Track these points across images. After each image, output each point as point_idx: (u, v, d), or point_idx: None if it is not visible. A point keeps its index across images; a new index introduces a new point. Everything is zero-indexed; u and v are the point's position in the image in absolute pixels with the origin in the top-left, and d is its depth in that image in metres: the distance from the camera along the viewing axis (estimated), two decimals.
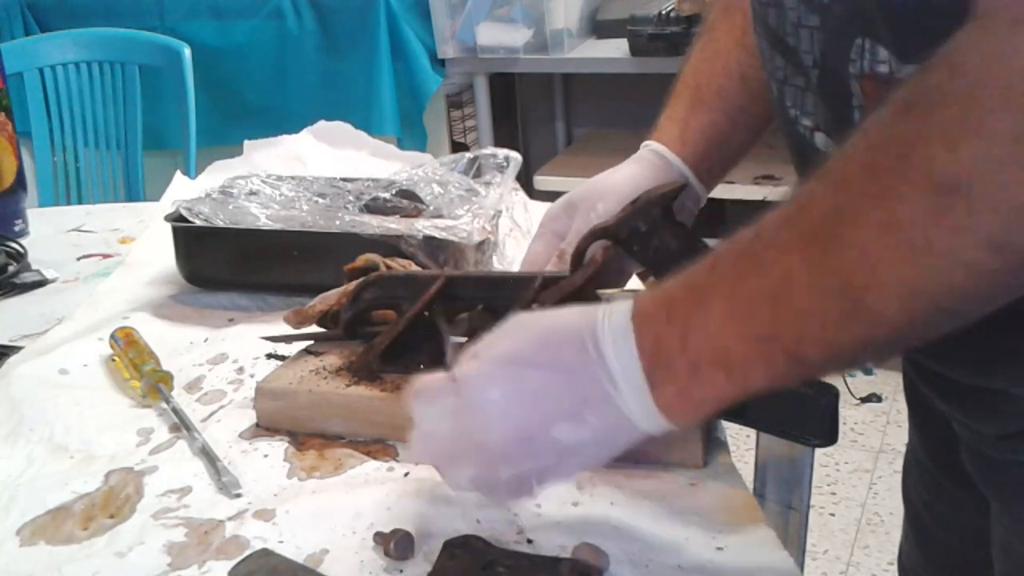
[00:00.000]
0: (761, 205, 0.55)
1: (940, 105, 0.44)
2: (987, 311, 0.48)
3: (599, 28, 2.77)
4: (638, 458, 0.68)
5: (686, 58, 0.85)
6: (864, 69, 0.57)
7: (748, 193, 2.46)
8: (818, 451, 0.69)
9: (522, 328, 0.57)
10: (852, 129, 0.49)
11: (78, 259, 1.21)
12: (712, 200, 0.85)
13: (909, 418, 0.84)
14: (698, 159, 0.81)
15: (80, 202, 2.38)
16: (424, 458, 0.60)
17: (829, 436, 0.62)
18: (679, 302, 0.53)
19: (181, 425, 0.77)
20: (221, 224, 0.99)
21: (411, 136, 2.71)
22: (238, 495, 0.68)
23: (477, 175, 1.09)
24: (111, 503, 0.69)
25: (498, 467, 0.56)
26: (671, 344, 0.52)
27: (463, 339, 0.77)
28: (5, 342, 0.96)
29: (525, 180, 2.10)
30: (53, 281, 1.13)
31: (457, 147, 2.88)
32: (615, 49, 2.63)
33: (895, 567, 0.91)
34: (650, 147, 0.82)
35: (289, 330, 0.85)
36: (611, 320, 0.54)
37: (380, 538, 0.61)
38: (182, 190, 1.24)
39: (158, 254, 1.11)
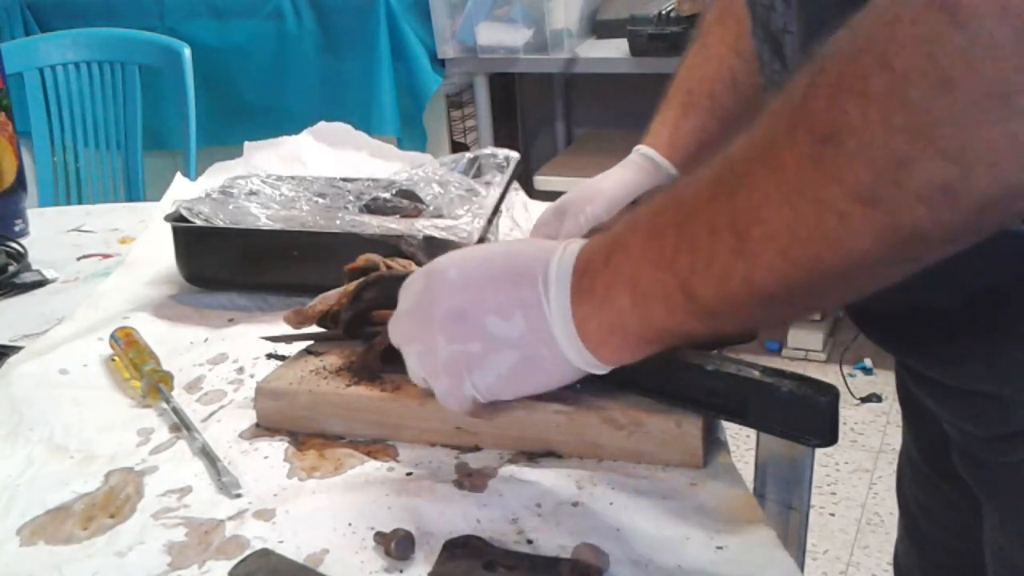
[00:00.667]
0: None
1: (832, 62, 0.45)
2: (875, 283, 0.49)
3: (599, 28, 2.78)
4: (638, 458, 0.69)
5: (679, 63, 0.86)
6: None
7: None
8: (818, 451, 0.69)
9: (499, 244, 0.65)
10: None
11: (78, 259, 1.21)
12: None
13: (902, 419, 0.84)
14: (688, 162, 0.82)
15: (80, 202, 2.38)
16: (393, 338, 0.68)
17: (829, 436, 0.62)
18: (619, 228, 0.58)
19: (181, 425, 0.77)
20: (221, 224, 0.99)
21: (411, 136, 2.71)
22: (238, 495, 0.68)
23: (477, 175, 1.09)
24: (111, 503, 0.69)
25: (437, 341, 0.63)
26: (598, 261, 0.58)
27: None
28: (5, 342, 0.96)
29: (525, 180, 2.10)
30: (53, 281, 1.13)
31: (457, 147, 2.88)
32: (615, 49, 2.63)
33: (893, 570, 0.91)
34: (640, 151, 0.84)
35: (289, 330, 0.85)
36: (568, 246, 0.60)
37: (380, 538, 0.61)
38: (182, 191, 1.24)
39: (158, 254, 1.11)
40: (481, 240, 0.97)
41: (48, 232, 1.31)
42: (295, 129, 1.37)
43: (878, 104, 0.43)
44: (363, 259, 0.85)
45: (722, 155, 0.52)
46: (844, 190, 0.45)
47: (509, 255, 0.62)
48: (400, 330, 0.67)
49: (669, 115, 0.84)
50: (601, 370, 0.60)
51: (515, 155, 1.10)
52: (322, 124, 1.38)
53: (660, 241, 0.54)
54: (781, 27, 0.62)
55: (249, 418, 0.78)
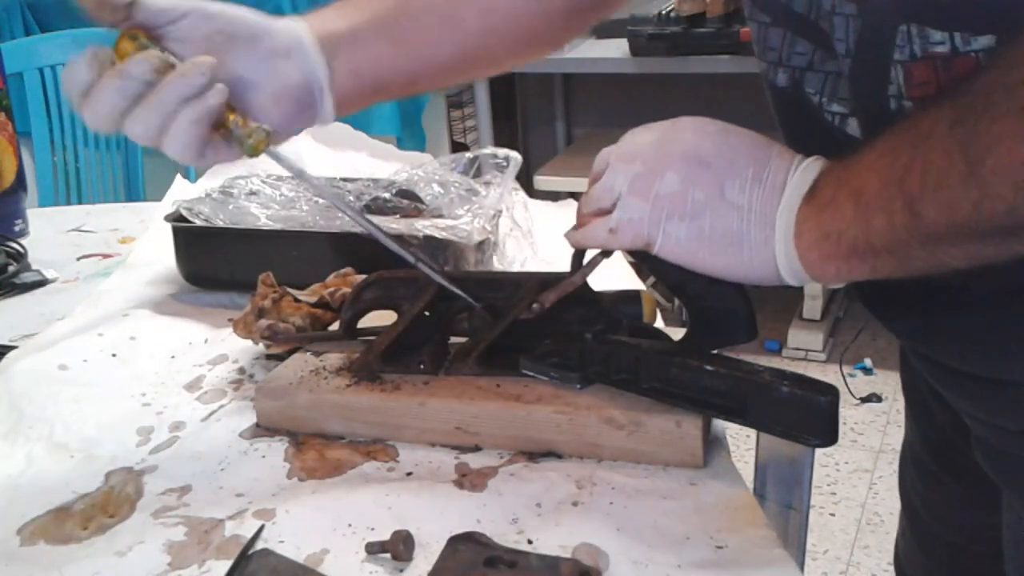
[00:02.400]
0: None
1: None
2: None
3: (599, 28, 2.78)
4: (638, 458, 0.69)
5: None
6: (915, 53, 0.58)
7: None
8: (818, 451, 0.69)
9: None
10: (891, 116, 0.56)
11: (78, 259, 1.21)
12: None
13: (907, 414, 0.84)
14: (319, 31, 0.74)
15: (80, 202, 2.38)
16: (607, 153, 0.67)
17: (829, 436, 0.62)
18: (862, 144, 0.58)
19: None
20: (221, 224, 1.00)
21: (411, 136, 2.71)
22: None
23: (477, 175, 1.09)
24: (111, 503, 0.69)
25: (666, 173, 0.63)
26: (831, 171, 0.60)
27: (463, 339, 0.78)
28: (5, 342, 0.96)
29: (525, 180, 2.10)
30: (53, 281, 1.13)
31: (457, 147, 2.88)
32: (615, 49, 2.63)
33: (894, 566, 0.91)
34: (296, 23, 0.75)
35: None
36: (815, 160, 0.62)
37: (373, 547, 0.61)
38: (182, 192, 1.25)
39: (158, 254, 1.11)
40: (482, 242, 0.97)
41: (48, 232, 1.31)
42: None
43: None
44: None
45: (960, 90, 0.53)
46: None
47: (769, 145, 0.63)
48: (623, 148, 0.66)
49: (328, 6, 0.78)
50: (795, 279, 0.61)
51: (516, 155, 1.10)
52: None
53: (892, 157, 0.55)
54: (829, 8, 0.62)
55: (249, 418, 0.78)
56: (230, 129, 0.69)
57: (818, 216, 0.59)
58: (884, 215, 0.55)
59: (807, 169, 0.61)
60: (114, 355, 0.90)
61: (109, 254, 1.22)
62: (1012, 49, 0.51)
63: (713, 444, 0.70)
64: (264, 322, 0.84)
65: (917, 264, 0.56)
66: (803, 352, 2.78)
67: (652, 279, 0.77)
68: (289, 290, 0.88)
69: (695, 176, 0.62)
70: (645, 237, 0.64)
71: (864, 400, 2.54)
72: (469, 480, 0.68)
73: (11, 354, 0.91)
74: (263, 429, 0.77)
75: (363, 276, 0.85)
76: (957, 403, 0.68)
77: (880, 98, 0.59)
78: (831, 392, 0.62)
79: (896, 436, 2.37)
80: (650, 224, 0.63)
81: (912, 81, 0.58)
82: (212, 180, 1.22)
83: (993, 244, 0.54)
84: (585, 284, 0.72)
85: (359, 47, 0.75)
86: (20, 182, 1.30)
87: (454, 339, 0.80)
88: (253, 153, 0.70)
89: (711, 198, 0.62)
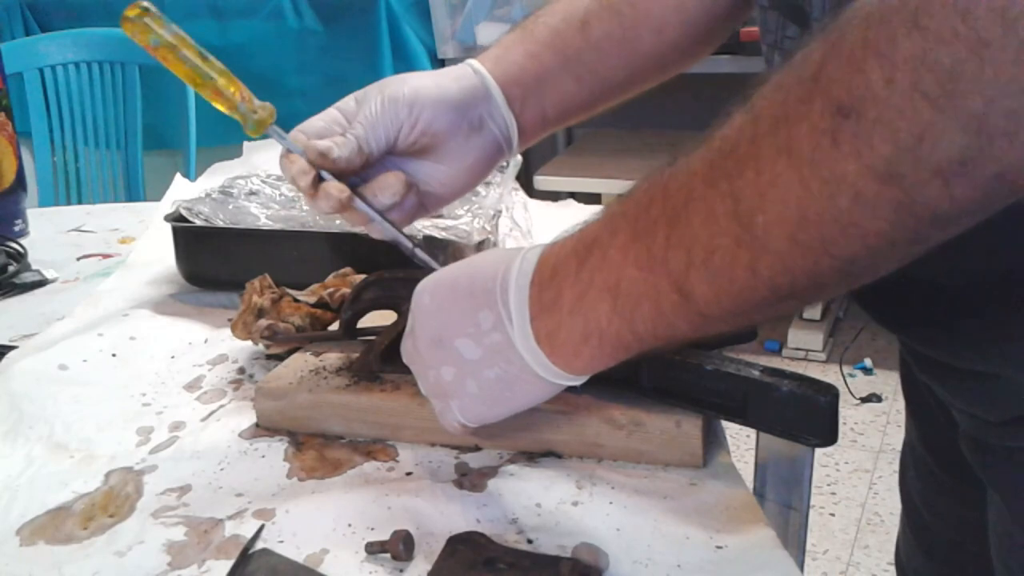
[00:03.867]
0: None
1: (856, 26, 0.42)
2: (881, 267, 0.47)
3: None
4: (638, 458, 0.69)
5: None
6: None
7: None
8: (818, 451, 0.69)
9: (466, 261, 0.64)
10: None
11: (78, 259, 1.21)
12: None
13: (906, 411, 0.84)
14: (509, 81, 0.77)
15: (80, 202, 2.38)
16: (404, 359, 0.68)
17: (829, 436, 0.62)
18: (591, 228, 0.55)
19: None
20: (221, 224, 1.00)
21: None
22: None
23: None
24: (111, 502, 0.69)
25: (425, 367, 0.64)
26: (567, 270, 0.55)
27: None
28: (5, 342, 0.96)
29: (525, 180, 2.10)
30: (53, 281, 1.13)
31: None
32: None
33: (895, 567, 0.91)
34: (476, 67, 0.78)
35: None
36: (526, 256, 0.58)
37: (373, 547, 0.61)
38: (182, 191, 1.25)
39: (158, 254, 1.11)
40: (482, 242, 0.97)
41: (48, 232, 1.31)
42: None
43: (906, 68, 0.40)
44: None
45: (716, 136, 0.48)
46: (861, 166, 0.42)
47: (471, 275, 0.61)
48: (405, 351, 0.68)
49: (506, 38, 0.80)
50: (575, 381, 0.60)
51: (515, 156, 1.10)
52: None
53: (648, 239, 0.51)
54: None
55: (249, 418, 0.78)
56: (236, 105, 0.70)
57: (569, 324, 0.55)
58: (649, 305, 0.51)
59: (521, 273, 0.58)
60: (114, 355, 0.90)
61: (109, 254, 1.22)
62: (771, 79, 0.46)
63: (713, 444, 0.70)
64: (264, 322, 0.84)
65: (683, 342, 0.54)
66: (803, 352, 2.78)
67: None
68: (288, 291, 0.88)
69: (437, 358, 0.63)
70: (456, 423, 0.65)
71: (864, 400, 2.54)
72: (469, 480, 0.68)
73: (11, 354, 0.91)
74: (263, 429, 0.77)
75: (363, 276, 0.85)
76: (944, 396, 0.68)
77: None
78: (831, 392, 0.62)
79: (896, 436, 2.37)
80: (447, 413, 0.65)
81: None
82: (212, 180, 1.22)
83: (765, 311, 0.50)
84: None
85: (547, 89, 0.78)
86: (20, 182, 1.30)
87: None
88: (256, 130, 0.71)
89: (459, 368, 0.62)
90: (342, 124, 0.75)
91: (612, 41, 0.77)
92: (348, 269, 0.93)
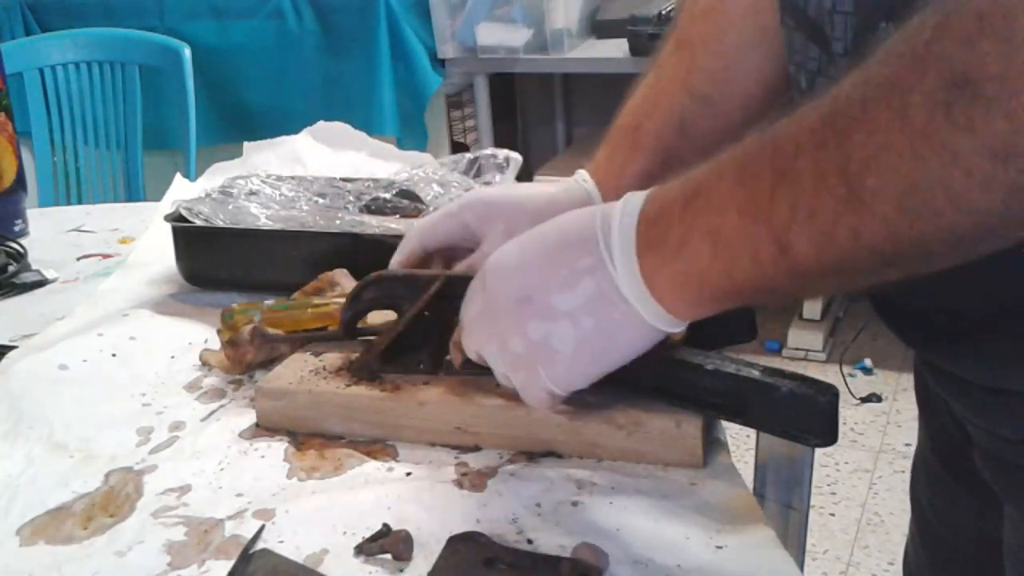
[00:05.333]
0: None
1: (965, 5, 0.42)
2: (985, 246, 0.46)
3: (599, 28, 2.78)
4: (638, 458, 0.69)
5: (632, 91, 0.84)
6: None
7: None
8: (818, 451, 0.69)
9: (547, 222, 0.62)
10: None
11: (78, 259, 1.21)
12: None
13: (920, 421, 0.84)
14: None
15: (80, 202, 2.38)
16: (469, 351, 0.67)
17: (829, 436, 0.62)
18: (699, 173, 0.54)
19: None
20: (221, 224, 0.99)
21: (411, 136, 2.71)
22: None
23: (477, 175, 1.09)
24: (111, 503, 0.69)
25: (508, 335, 0.61)
26: (673, 210, 0.54)
27: None
28: (5, 342, 0.96)
29: (525, 180, 2.10)
30: (53, 281, 1.13)
31: (457, 147, 2.88)
32: (615, 49, 2.63)
33: (895, 567, 0.91)
34: (585, 184, 0.81)
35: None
36: (630, 198, 0.57)
37: (371, 548, 0.61)
38: (182, 191, 1.24)
39: (158, 254, 1.11)
40: None
41: (48, 232, 1.31)
42: (295, 129, 1.37)
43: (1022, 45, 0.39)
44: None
45: (829, 95, 0.48)
46: (975, 142, 0.41)
47: (561, 227, 0.60)
48: (474, 337, 0.65)
49: (618, 156, 0.82)
50: (677, 327, 0.58)
51: (516, 156, 1.10)
52: (321, 124, 1.38)
53: (753, 187, 0.50)
54: (829, 7, 0.60)
55: (249, 418, 0.78)
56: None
57: (671, 265, 0.54)
58: (748, 254, 0.51)
59: (626, 213, 0.57)
60: (114, 355, 0.90)
61: (109, 254, 1.22)
62: (885, 45, 0.46)
63: (713, 444, 0.70)
64: (247, 328, 0.84)
65: (784, 297, 0.54)
66: (803, 352, 2.78)
67: None
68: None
69: (527, 317, 0.60)
70: (546, 394, 0.63)
71: (864, 400, 2.54)
72: (469, 480, 0.68)
73: (11, 354, 0.91)
74: (263, 429, 0.77)
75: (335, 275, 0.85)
76: (961, 411, 0.68)
77: None
78: (831, 392, 0.62)
79: (896, 436, 2.37)
80: (537, 383, 0.63)
81: None
82: (212, 180, 1.22)
83: (866, 275, 0.50)
84: None
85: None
86: (20, 182, 1.30)
87: None
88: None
89: (556, 322, 0.59)
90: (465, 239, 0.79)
91: (709, 134, 0.78)
92: (327, 273, 0.93)
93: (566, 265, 0.58)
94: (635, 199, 0.57)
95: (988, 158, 0.41)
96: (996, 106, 0.41)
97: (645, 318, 0.57)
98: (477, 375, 0.72)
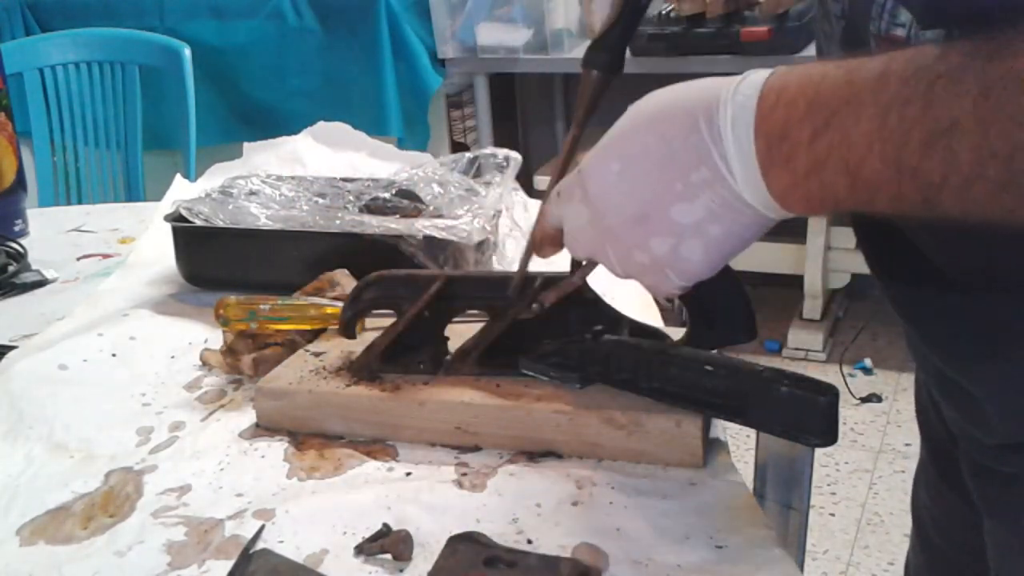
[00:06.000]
0: None
1: None
2: None
3: None
4: (638, 458, 0.69)
5: None
6: (882, 30, 0.55)
7: None
8: (818, 451, 0.69)
9: (638, 110, 0.58)
10: None
11: (78, 259, 1.21)
12: None
13: (920, 431, 0.84)
14: None
15: (80, 202, 2.38)
16: (580, 255, 0.64)
17: (829, 436, 0.62)
18: (828, 96, 0.50)
19: None
20: (221, 224, 0.99)
21: (412, 136, 2.71)
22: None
23: (477, 175, 1.09)
24: (111, 503, 0.69)
25: (629, 249, 0.58)
26: (800, 135, 0.50)
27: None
28: (5, 342, 0.96)
29: (525, 180, 2.10)
30: (53, 281, 1.13)
31: (457, 147, 2.88)
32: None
33: (895, 567, 0.91)
34: None
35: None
36: (735, 96, 0.53)
37: (371, 548, 0.61)
38: (182, 191, 1.24)
39: (158, 254, 1.11)
40: (482, 242, 0.97)
41: (48, 232, 1.31)
42: (295, 129, 1.37)
43: None
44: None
45: (981, 42, 0.44)
46: None
47: (665, 136, 0.55)
48: (583, 244, 0.62)
49: None
50: (796, 214, 0.54)
51: (516, 155, 1.10)
52: (321, 124, 1.38)
53: (901, 139, 0.46)
54: None
55: (249, 418, 0.78)
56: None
57: (804, 186, 0.51)
58: (891, 196, 0.48)
59: (736, 131, 0.52)
60: (114, 355, 0.90)
61: (109, 254, 1.22)
62: None
63: (713, 444, 0.70)
64: (248, 358, 0.85)
65: (912, 215, 0.49)
66: (803, 352, 2.78)
67: None
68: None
69: (647, 234, 0.57)
70: (676, 287, 0.59)
71: (864, 400, 2.54)
72: (469, 480, 0.68)
73: (11, 354, 0.91)
74: (263, 429, 0.77)
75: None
76: (949, 412, 0.68)
77: None
78: (831, 392, 0.62)
79: (896, 436, 2.37)
80: (665, 283, 0.59)
81: None
82: (212, 180, 1.22)
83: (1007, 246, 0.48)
84: (585, 284, 0.72)
85: None
86: (20, 182, 1.30)
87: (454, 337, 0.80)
88: None
89: (678, 236, 0.56)
90: None
91: None
92: (327, 274, 0.93)
93: (679, 179, 0.55)
94: (746, 102, 0.52)
95: None
96: None
97: (771, 216, 0.54)
98: (490, 376, 0.73)
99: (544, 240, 0.67)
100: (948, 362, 0.64)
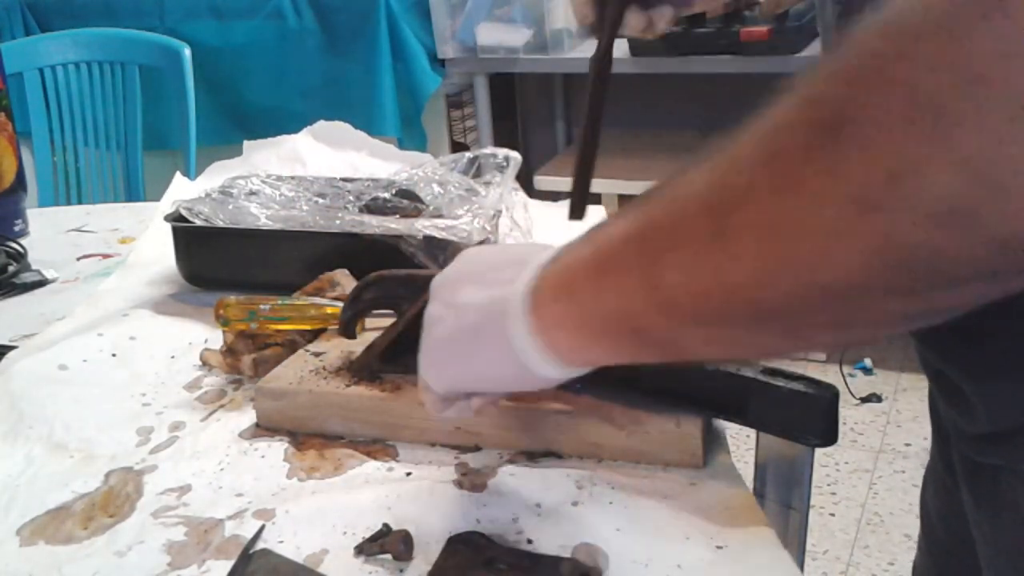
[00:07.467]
0: None
1: (855, 48, 0.38)
2: (866, 316, 0.41)
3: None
4: (638, 458, 0.69)
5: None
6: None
7: None
8: (818, 451, 0.69)
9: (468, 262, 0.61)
10: None
11: (78, 259, 1.21)
12: None
13: (931, 427, 0.84)
14: None
15: (80, 202, 2.38)
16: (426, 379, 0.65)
17: (829, 436, 0.62)
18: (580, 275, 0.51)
19: None
20: (221, 224, 0.99)
21: (411, 136, 2.71)
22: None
23: (477, 175, 1.09)
24: (111, 503, 0.69)
25: (429, 371, 0.62)
26: (567, 320, 0.51)
27: None
28: (5, 342, 0.96)
29: (525, 180, 2.10)
30: (53, 281, 1.13)
31: (457, 147, 2.88)
32: (615, 49, 2.63)
33: (895, 567, 0.91)
34: None
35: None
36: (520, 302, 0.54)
37: (371, 548, 0.61)
38: (182, 191, 1.24)
39: (158, 254, 1.11)
40: (482, 242, 0.97)
41: (48, 232, 1.31)
42: (295, 129, 1.37)
43: (897, 94, 0.35)
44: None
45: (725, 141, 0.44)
46: (841, 189, 0.37)
47: (474, 324, 0.57)
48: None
49: None
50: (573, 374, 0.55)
51: (516, 155, 1.10)
52: (321, 124, 1.38)
53: (643, 213, 0.47)
54: None
55: (249, 418, 0.78)
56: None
57: (585, 346, 0.51)
58: (653, 344, 0.48)
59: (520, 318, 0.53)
60: (114, 355, 0.90)
61: (109, 254, 1.22)
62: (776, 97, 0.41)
63: (713, 444, 0.70)
64: (248, 358, 0.85)
65: (663, 346, 0.49)
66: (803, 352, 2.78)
67: None
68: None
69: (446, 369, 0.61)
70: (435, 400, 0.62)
71: (864, 400, 2.54)
72: (469, 480, 0.68)
73: (11, 354, 0.91)
74: (263, 429, 0.77)
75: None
76: (942, 405, 0.68)
77: None
78: (831, 392, 0.62)
79: (896, 436, 2.37)
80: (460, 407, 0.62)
81: None
82: (212, 180, 1.22)
83: (748, 332, 0.45)
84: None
85: None
86: (20, 182, 1.30)
87: None
88: None
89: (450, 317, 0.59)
90: None
91: None
92: (327, 274, 0.93)
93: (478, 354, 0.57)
94: (522, 308, 0.53)
95: (853, 205, 0.37)
96: (864, 150, 0.36)
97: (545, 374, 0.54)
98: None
99: None
100: (933, 349, 0.64)
